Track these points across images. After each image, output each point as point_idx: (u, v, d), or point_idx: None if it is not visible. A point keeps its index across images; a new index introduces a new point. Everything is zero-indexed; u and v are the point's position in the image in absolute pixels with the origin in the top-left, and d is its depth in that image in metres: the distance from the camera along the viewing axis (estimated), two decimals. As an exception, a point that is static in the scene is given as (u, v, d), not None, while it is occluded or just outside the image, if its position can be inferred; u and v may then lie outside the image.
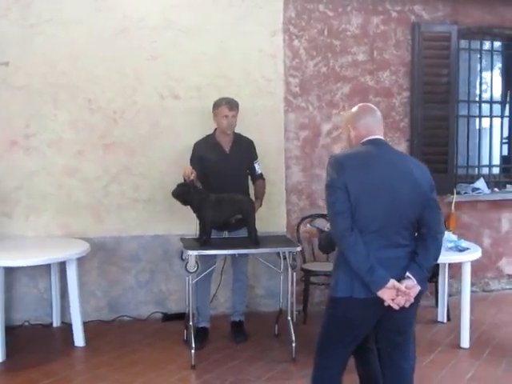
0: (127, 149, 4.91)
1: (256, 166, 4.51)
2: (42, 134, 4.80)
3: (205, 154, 4.36)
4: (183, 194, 4.03)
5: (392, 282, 2.66)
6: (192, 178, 4.06)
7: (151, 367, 4.07)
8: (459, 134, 5.65)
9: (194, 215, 4.23)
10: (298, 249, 4.15)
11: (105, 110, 4.86)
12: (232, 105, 4.35)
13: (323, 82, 5.24)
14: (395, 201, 2.70)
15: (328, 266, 4.72)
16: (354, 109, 2.94)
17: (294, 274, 4.21)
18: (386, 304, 2.68)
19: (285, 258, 4.21)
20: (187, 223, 4.57)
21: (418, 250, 2.76)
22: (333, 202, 2.72)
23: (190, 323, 4.15)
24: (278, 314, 4.55)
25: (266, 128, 5.02)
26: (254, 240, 4.09)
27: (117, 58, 4.83)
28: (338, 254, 2.81)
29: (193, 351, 4.02)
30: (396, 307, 2.68)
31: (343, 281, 2.75)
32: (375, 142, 2.82)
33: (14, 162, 4.75)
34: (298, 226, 5.00)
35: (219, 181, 4.26)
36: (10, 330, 4.28)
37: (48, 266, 4.68)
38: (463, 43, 5.58)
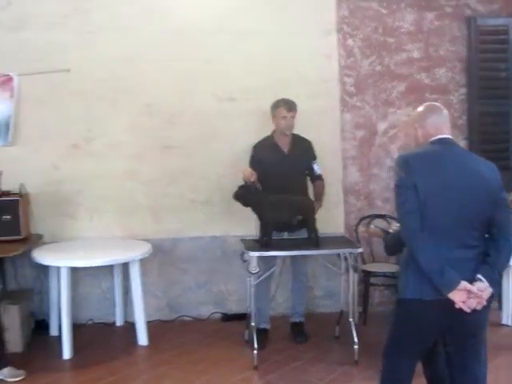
0: (185, 151, 4.97)
1: (315, 166, 4.52)
2: (102, 138, 4.91)
3: (264, 155, 4.39)
4: (244, 195, 4.06)
5: (463, 283, 2.62)
6: (252, 179, 4.09)
7: (213, 366, 4.12)
8: (519, 130, 5.52)
9: (252, 216, 4.27)
10: (360, 250, 4.14)
11: (163, 113, 4.93)
12: (290, 106, 4.37)
13: (378, 81, 5.19)
14: (465, 200, 2.67)
15: (388, 267, 4.75)
16: (421, 108, 2.94)
17: (356, 275, 4.20)
18: (456, 306, 2.64)
19: (345, 259, 4.20)
20: (245, 224, 4.63)
21: (490, 252, 2.71)
22: (402, 202, 2.71)
23: (252, 324, 4.17)
24: (340, 316, 4.53)
25: (323, 128, 5.00)
26: (315, 241, 4.09)
27: (173, 61, 4.88)
28: (407, 254, 2.79)
29: (255, 352, 4.05)
30: (467, 310, 2.64)
31: (412, 282, 2.73)
32: (443, 141, 2.80)
33: (77, 165, 4.87)
34: (357, 227, 4.98)
35: (278, 182, 4.26)
36: (75, 327, 4.39)
37: (111, 267, 4.78)
38: (521, 36, 5.45)
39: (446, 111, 2.90)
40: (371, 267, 4.85)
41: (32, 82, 4.73)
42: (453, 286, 2.62)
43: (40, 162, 4.81)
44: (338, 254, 4.27)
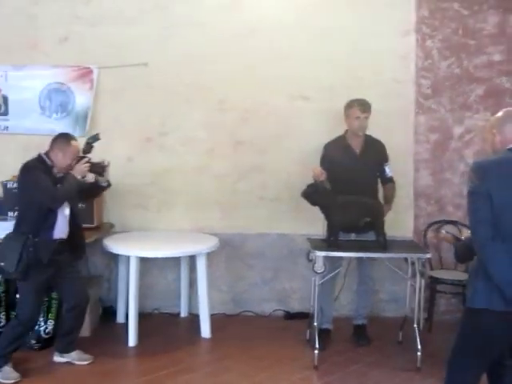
0: (256, 148, 5.01)
1: (386, 168, 4.45)
2: (175, 132, 5.01)
3: (335, 155, 4.35)
4: (312, 194, 4.04)
5: (535, 296, 2.54)
6: (322, 179, 4.07)
7: (274, 364, 4.14)
8: None
9: (320, 216, 4.24)
10: (428, 255, 4.07)
11: (236, 110, 4.98)
12: (364, 106, 4.32)
13: (456, 84, 5.05)
14: (541, 211, 2.57)
15: (456, 275, 4.63)
16: (500, 113, 2.86)
17: (423, 281, 4.11)
18: (526, 319, 2.56)
19: (413, 264, 4.12)
20: (313, 223, 4.59)
21: None
22: (475, 210, 2.65)
23: (315, 323, 4.16)
24: (404, 321, 4.44)
25: (395, 130, 4.92)
26: (383, 244, 4.03)
27: (248, 58, 4.92)
28: (477, 263, 2.73)
29: (316, 352, 4.04)
30: (538, 324, 2.56)
31: (482, 291, 2.66)
32: (522, 149, 2.71)
33: (149, 158, 5.00)
34: (426, 232, 4.88)
35: (349, 183, 4.21)
36: (140, 316, 4.50)
37: (178, 258, 4.88)
38: None
39: (526, 118, 2.80)
40: (439, 274, 4.74)
41: (110, 75, 4.89)
42: (524, 299, 2.54)
43: (114, 154, 4.85)
44: (406, 259, 4.19)
